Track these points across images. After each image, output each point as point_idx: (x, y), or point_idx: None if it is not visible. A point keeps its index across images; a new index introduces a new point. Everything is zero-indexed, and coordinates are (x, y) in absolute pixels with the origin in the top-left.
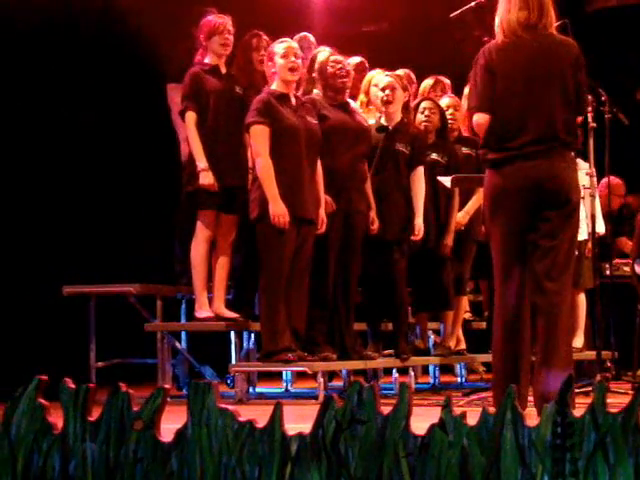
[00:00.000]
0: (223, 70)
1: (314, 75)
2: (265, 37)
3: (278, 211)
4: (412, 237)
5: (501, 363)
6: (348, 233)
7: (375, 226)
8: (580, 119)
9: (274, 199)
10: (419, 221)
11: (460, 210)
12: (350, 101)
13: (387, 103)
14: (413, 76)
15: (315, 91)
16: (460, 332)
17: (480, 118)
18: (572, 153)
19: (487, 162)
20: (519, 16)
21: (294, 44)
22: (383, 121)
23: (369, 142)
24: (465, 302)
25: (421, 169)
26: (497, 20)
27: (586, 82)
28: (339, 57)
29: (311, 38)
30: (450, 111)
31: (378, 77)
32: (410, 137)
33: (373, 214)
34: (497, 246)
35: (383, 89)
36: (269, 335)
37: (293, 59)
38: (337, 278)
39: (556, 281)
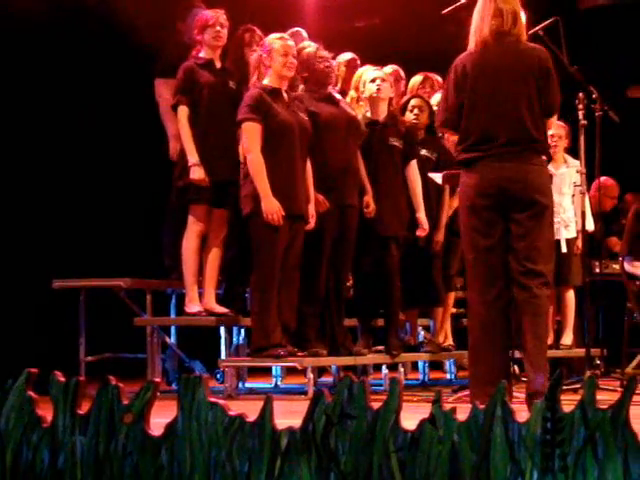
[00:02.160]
0: (218, 64)
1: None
2: (258, 32)
3: (271, 208)
4: (418, 232)
5: (476, 361)
6: (341, 229)
7: (370, 210)
8: (549, 121)
9: (266, 196)
10: (422, 216)
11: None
12: (338, 95)
13: (377, 91)
14: (402, 72)
15: (301, 86)
16: (448, 329)
17: (450, 135)
18: (543, 157)
19: (459, 162)
20: (492, 24)
21: (291, 42)
22: (369, 115)
23: (360, 131)
24: (452, 298)
25: (415, 162)
26: (472, 27)
27: (553, 85)
28: (325, 53)
29: (303, 33)
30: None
31: (367, 71)
32: (401, 131)
33: (367, 198)
34: (467, 244)
35: (373, 80)
36: (260, 331)
37: (292, 59)
38: (329, 274)
39: (535, 279)
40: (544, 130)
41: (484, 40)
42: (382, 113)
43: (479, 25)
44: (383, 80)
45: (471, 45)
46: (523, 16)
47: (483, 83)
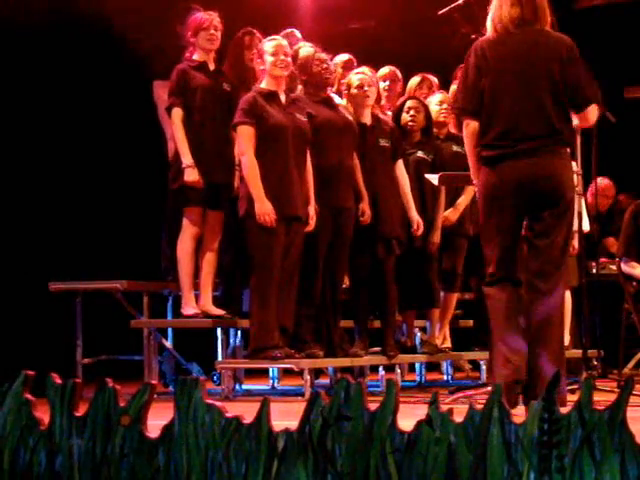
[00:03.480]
0: (211, 67)
1: (296, 71)
2: (258, 35)
3: (263, 210)
4: (412, 231)
5: (500, 362)
6: (336, 231)
7: (366, 217)
8: (587, 112)
9: (259, 198)
10: (414, 214)
11: (449, 207)
12: (335, 96)
13: (363, 93)
14: (399, 73)
15: (299, 87)
16: (447, 331)
17: (468, 123)
18: (567, 149)
19: (481, 160)
20: (511, 12)
21: (284, 42)
22: (350, 117)
23: (355, 135)
24: (454, 300)
25: (401, 162)
26: (489, 16)
27: (582, 74)
28: (323, 55)
29: (297, 34)
30: (444, 106)
31: (353, 74)
32: (387, 132)
33: (363, 205)
34: (491, 244)
35: (358, 87)
36: (258, 332)
37: (282, 57)
38: (325, 276)
39: (549, 280)
40: (569, 121)
41: (505, 27)
42: (367, 115)
43: (497, 13)
44: (369, 85)
45: (489, 32)
46: (546, 5)
47: (505, 74)
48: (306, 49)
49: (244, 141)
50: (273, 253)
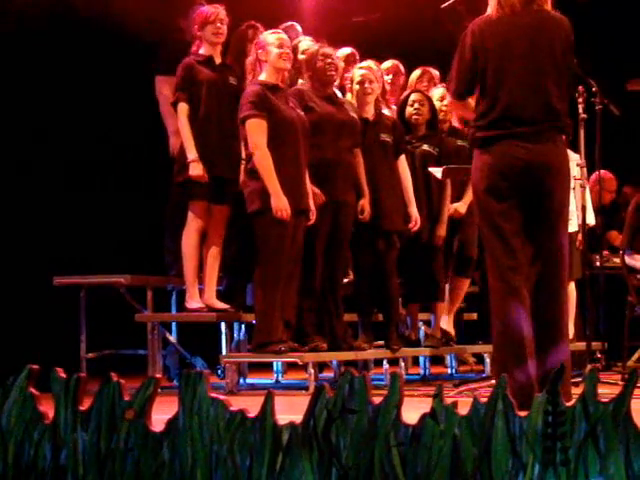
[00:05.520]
0: (217, 60)
1: (299, 65)
2: (261, 29)
3: (281, 205)
4: (409, 226)
5: (503, 347)
6: (335, 224)
7: (365, 215)
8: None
9: (276, 193)
10: (414, 210)
11: (457, 201)
12: (338, 92)
13: (366, 95)
14: (402, 67)
15: (300, 81)
16: (452, 316)
17: (463, 105)
18: (563, 137)
19: (476, 141)
20: None
21: (285, 35)
22: (353, 113)
23: (357, 133)
24: (466, 285)
25: (404, 157)
26: None
27: (573, 61)
28: (328, 50)
29: (297, 27)
30: (445, 102)
31: (356, 70)
32: (389, 127)
33: (363, 202)
34: (489, 231)
35: (360, 83)
36: (264, 327)
37: (287, 50)
38: (324, 269)
39: (552, 279)
40: (567, 108)
41: (512, 5)
42: (370, 111)
43: None
44: (371, 81)
45: (493, 10)
46: None
47: (509, 56)
48: (307, 43)
49: (257, 134)
50: (282, 248)
